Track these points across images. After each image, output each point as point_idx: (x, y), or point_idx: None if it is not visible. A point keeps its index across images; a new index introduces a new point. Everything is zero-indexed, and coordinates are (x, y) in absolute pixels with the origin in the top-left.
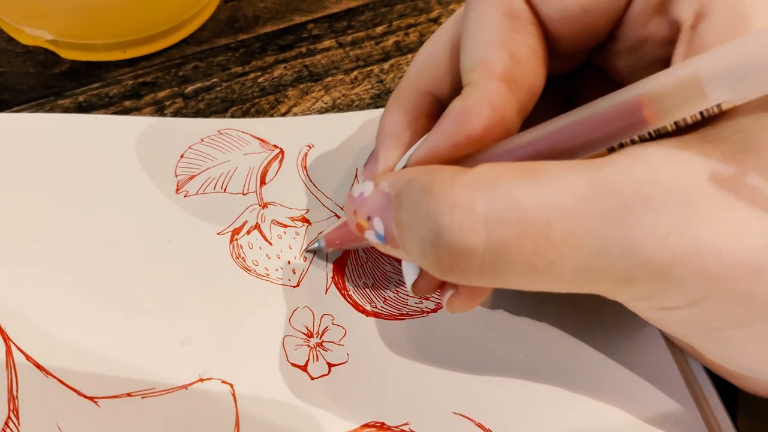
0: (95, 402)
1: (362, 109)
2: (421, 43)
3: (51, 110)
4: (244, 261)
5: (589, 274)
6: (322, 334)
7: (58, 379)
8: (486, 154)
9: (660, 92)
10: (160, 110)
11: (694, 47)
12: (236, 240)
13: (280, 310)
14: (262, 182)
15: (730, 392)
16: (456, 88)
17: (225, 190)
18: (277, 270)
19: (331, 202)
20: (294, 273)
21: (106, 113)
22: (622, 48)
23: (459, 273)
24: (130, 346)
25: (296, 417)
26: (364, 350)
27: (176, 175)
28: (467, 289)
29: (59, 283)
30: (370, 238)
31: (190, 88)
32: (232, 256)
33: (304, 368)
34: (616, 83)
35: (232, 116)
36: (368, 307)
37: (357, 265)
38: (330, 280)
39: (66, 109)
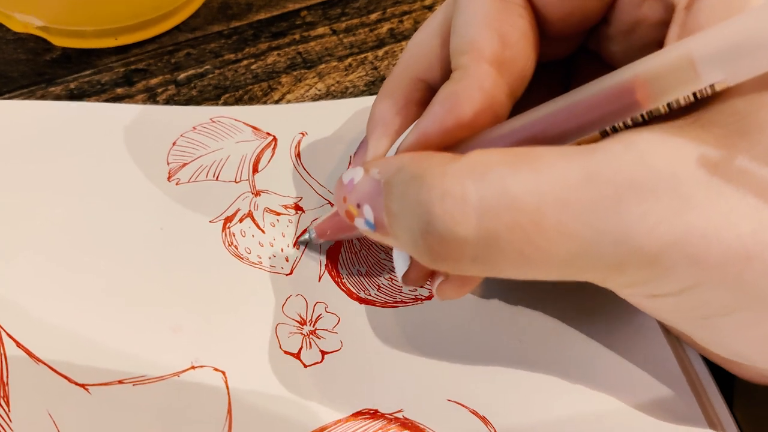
0: (86, 389)
1: (356, 96)
2: (415, 29)
3: (42, 98)
4: (237, 249)
5: (581, 262)
6: (316, 321)
7: (49, 366)
8: (477, 140)
9: (653, 74)
10: (152, 97)
11: (687, 28)
12: (228, 228)
13: (272, 298)
14: (255, 170)
15: (726, 380)
16: (448, 74)
17: (217, 178)
18: (269, 258)
19: (324, 190)
20: (287, 261)
21: (97, 101)
22: (615, 31)
23: (450, 262)
24: (122, 334)
25: (289, 405)
26: (358, 338)
27: (168, 163)
28: (457, 277)
29: (50, 271)
30: (360, 225)
31: (182, 75)
32: (224, 244)
33: (297, 356)
34: (612, 68)
35: (225, 103)
36: (362, 295)
37: (351, 252)
38: (323, 267)
39: (57, 97)
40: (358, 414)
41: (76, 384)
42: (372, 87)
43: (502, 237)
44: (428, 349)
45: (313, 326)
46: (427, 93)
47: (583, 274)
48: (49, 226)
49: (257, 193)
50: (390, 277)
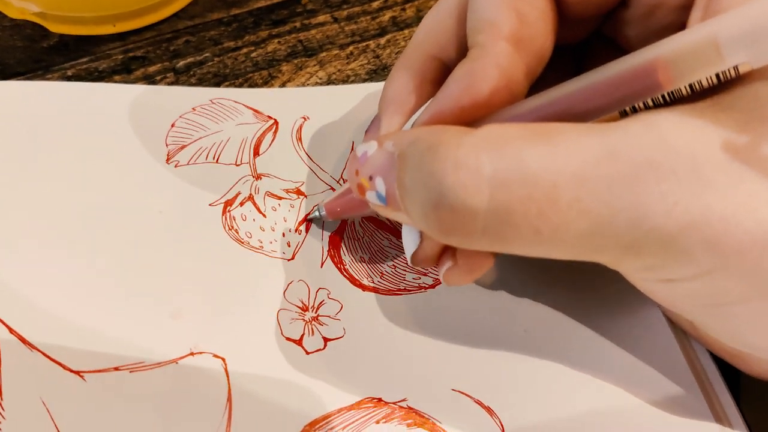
0: (81, 376)
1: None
2: (418, 18)
3: None
4: (237, 233)
5: (595, 241)
6: (318, 308)
7: (43, 353)
8: (493, 119)
9: (676, 54)
10: (150, 85)
11: (711, 11)
12: (229, 211)
13: (274, 283)
14: (256, 153)
15: (733, 375)
16: (463, 53)
17: (217, 160)
18: (271, 242)
19: (326, 175)
20: (289, 246)
21: None
22: (634, 15)
23: (461, 235)
24: (119, 319)
25: (291, 392)
26: (361, 325)
27: (167, 145)
28: (465, 262)
29: (44, 255)
30: (371, 199)
31: (181, 63)
32: (224, 227)
33: (299, 342)
34: (627, 53)
35: None
36: (365, 282)
37: (354, 238)
38: (326, 253)
39: None
40: (361, 402)
41: (71, 371)
42: (374, 75)
43: (515, 210)
44: (432, 338)
45: (316, 312)
46: (441, 71)
47: (596, 254)
48: (43, 210)
49: (258, 177)
50: (393, 265)
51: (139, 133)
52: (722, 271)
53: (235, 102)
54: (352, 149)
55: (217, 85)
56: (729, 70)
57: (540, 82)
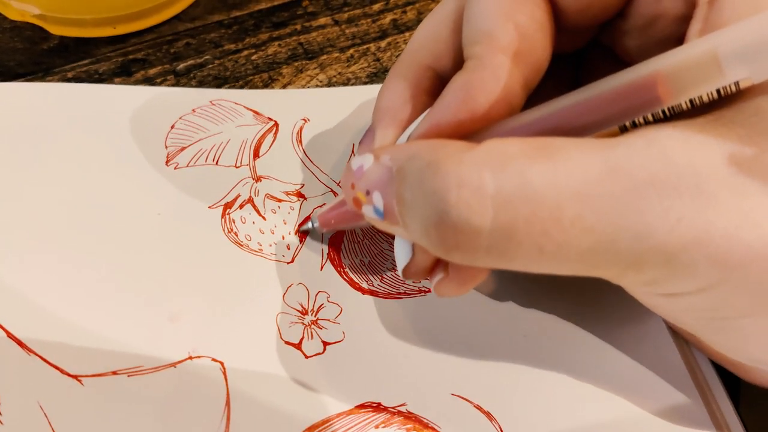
0: (79, 380)
1: None
2: (419, 20)
3: None
4: (237, 236)
5: (598, 258)
6: (317, 311)
7: (41, 357)
8: (492, 131)
9: (675, 69)
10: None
11: (710, 24)
12: (228, 214)
13: (273, 287)
14: (256, 155)
15: (733, 383)
16: (458, 63)
17: (217, 162)
18: (270, 245)
19: (326, 178)
20: (288, 249)
21: None
22: (633, 25)
23: (463, 253)
24: (117, 323)
25: (290, 397)
26: (361, 329)
27: (166, 147)
28: (457, 275)
29: (42, 258)
30: (368, 213)
31: (181, 66)
32: (224, 230)
33: (298, 346)
34: (625, 63)
35: None
36: (365, 285)
37: (353, 242)
38: (326, 256)
39: None
40: (360, 407)
41: (69, 375)
42: (374, 78)
43: (519, 229)
44: (432, 342)
45: (315, 316)
46: (436, 82)
47: (598, 269)
48: (41, 212)
49: (258, 179)
50: (393, 268)
51: (138, 134)
52: (725, 286)
53: (235, 103)
54: (353, 152)
55: (218, 87)
56: (730, 86)
57: (537, 91)
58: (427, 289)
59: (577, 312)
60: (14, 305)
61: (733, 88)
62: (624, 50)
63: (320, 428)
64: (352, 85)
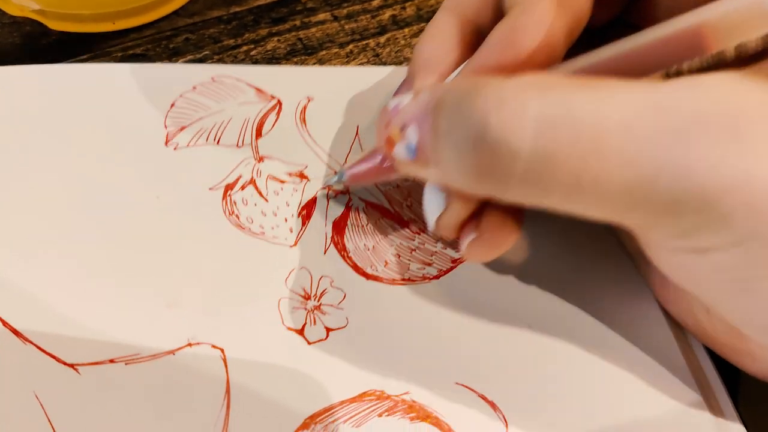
0: (75, 369)
1: None
2: (418, 16)
3: None
4: (238, 218)
5: (635, 196)
6: (320, 296)
7: (36, 346)
8: None
9: (721, 16)
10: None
11: None
12: (229, 195)
13: (275, 271)
14: (258, 134)
15: (733, 383)
16: (497, 16)
17: (218, 142)
18: (273, 228)
19: (330, 158)
20: (291, 232)
21: None
22: None
23: (497, 179)
24: (114, 310)
25: (291, 384)
26: (364, 315)
27: (166, 127)
28: (490, 234)
29: (37, 244)
30: (399, 153)
31: (180, 61)
32: (224, 213)
33: (300, 332)
34: None
35: None
36: (368, 270)
37: (358, 225)
38: (329, 240)
39: None
40: (363, 395)
41: (65, 364)
42: None
43: (557, 155)
44: (436, 330)
45: (318, 301)
46: (474, 35)
47: (633, 212)
48: (35, 196)
49: (260, 159)
50: (397, 254)
51: (136, 114)
52: (759, 240)
53: (238, 80)
54: (356, 133)
55: None
56: None
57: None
58: (430, 276)
59: (580, 303)
60: (8, 293)
61: None
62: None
63: (322, 416)
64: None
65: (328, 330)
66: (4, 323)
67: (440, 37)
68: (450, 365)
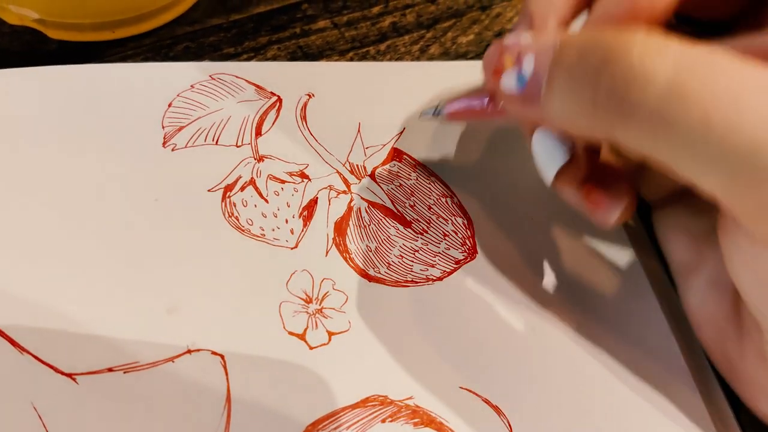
0: (73, 379)
1: None
2: (419, 23)
3: None
4: (238, 220)
5: (759, 156)
6: (322, 299)
7: (33, 356)
8: None
9: None
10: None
11: None
12: (229, 197)
13: (276, 274)
14: (258, 133)
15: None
16: None
17: (217, 142)
18: (273, 230)
19: (332, 157)
20: (292, 233)
21: None
22: None
23: (622, 109)
24: (112, 317)
25: (293, 390)
26: (367, 318)
27: (163, 127)
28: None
29: (33, 248)
30: (507, 82)
31: None
32: (224, 214)
33: (302, 337)
34: None
35: None
36: (371, 272)
37: (360, 226)
38: (331, 241)
39: None
40: (366, 400)
41: (63, 373)
42: None
43: (693, 92)
44: (440, 333)
45: (320, 305)
46: None
47: (747, 174)
48: (30, 199)
49: (260, 159)
50: (400, 255)
51: (133, 114)
52: None
53: (236, 77)
54: (358, 131)
55: None
56: None
57: None
58: (433, 278)
59: (584, 308)
60: (3, 302)
61: None
62: None
63: (325, 423)
64: None
65: (331, 334)
66: (1, 333)
67: None
68: (454, 369)
